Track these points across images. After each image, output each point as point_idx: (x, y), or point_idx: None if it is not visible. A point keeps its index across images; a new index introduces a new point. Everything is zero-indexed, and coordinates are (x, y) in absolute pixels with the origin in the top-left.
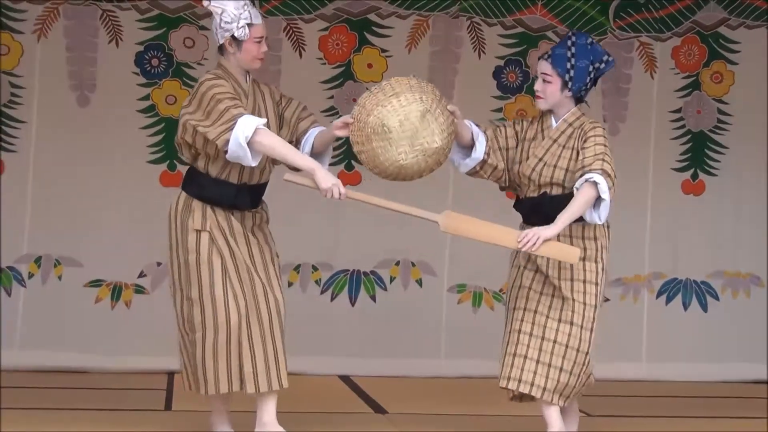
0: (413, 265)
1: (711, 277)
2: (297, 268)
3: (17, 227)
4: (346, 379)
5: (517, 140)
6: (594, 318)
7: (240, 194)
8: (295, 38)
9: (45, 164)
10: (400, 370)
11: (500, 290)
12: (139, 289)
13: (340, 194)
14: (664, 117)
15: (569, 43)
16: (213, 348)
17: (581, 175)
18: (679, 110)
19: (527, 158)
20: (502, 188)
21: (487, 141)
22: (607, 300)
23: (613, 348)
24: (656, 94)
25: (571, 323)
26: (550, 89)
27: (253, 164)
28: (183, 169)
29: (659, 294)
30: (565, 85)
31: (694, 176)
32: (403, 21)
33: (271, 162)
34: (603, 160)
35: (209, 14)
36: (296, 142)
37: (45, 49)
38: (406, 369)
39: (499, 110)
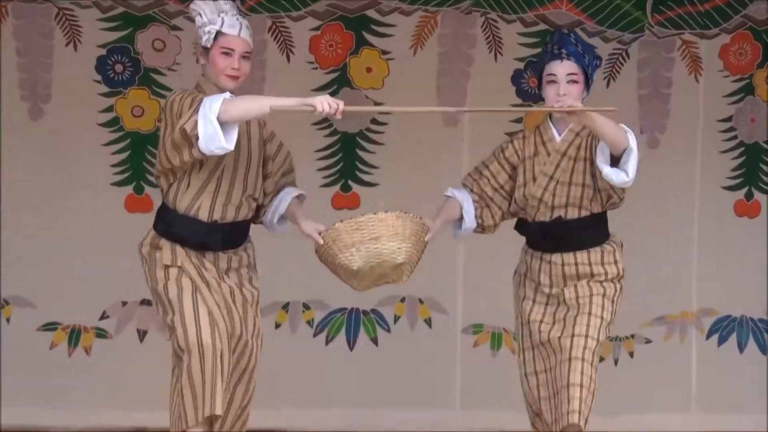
0: (421, 302)
1: None
2: (286, 306)
3: None
4: None
5: (510, 167)
6: (602, 331)
7: (211, 233)
8: (282, 39)
9: None
10: (407, 423)
11: None
12: (101, 333)
13: (337, 107)
14: (712, 126)
15: (571, 38)
16: (201, 374)
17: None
18: (729, 119)
19: (534, 178)
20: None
21: (474, 205)
22: (648, 342)
23: (657, 396)
24: (702, 100)
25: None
26: (578, 90)
27: (228, 146)
28: (152, 192)
29: (710, 333)
30: (586, 85)
31: (749, 195)
32: (407, 18)
33: (249, 198)
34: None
35: (182, 13)
36: (272, 195)
37: None
38: (414, 422)
39: (519, 121)
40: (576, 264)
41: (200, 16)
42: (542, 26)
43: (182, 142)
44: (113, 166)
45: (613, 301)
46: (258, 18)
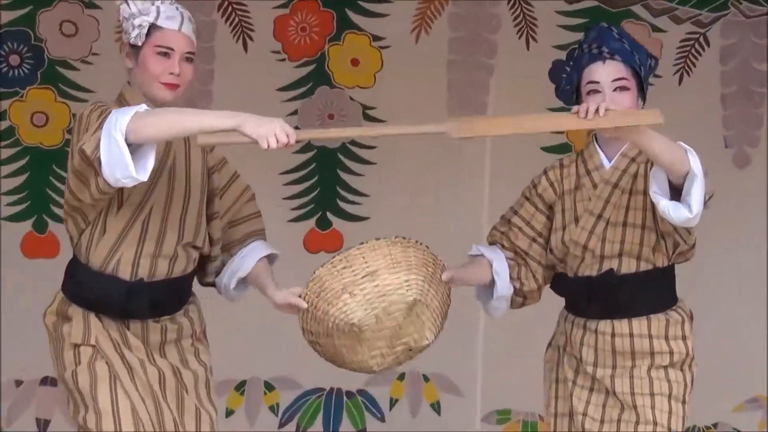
0: (426, 379)
1: None
2: (241, 386)
3: None
4: None
5: (547, 207)
6: None
7: (135, 296)
8: (237, 20)
9: None
10: None
11: None
12: None
13: (287, 137)
14: None
15: (614, 33)
16: None
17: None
18: None
19: (576, 218)
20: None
21: (509, 263)
22: None
23: None
24: None
25: None
26: (630, 100)
27: (139, 176)
28: (58, 230)
29: None
30: (641, 91)
31: None
32: None
33: (188, 247)
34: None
35: None
36: (226, 248)
37: None
38: None
39: (560, 132)
40: (631, 336)
41: (126, 4)
42: (591, 2)
43: (85, 168)
44: (6, 194)
45: (683, 402)
46: None
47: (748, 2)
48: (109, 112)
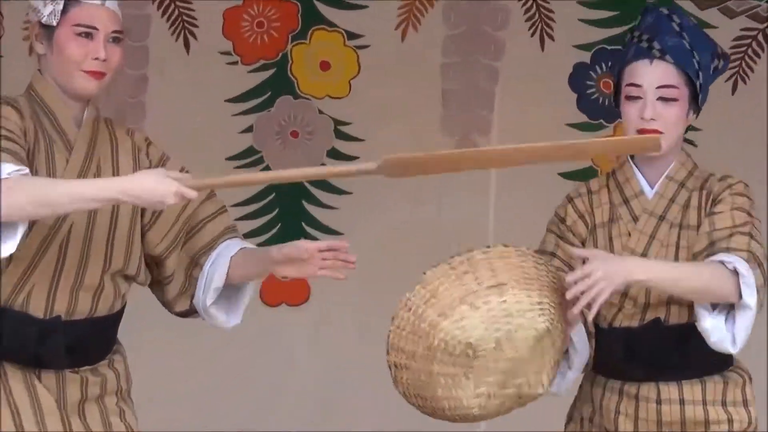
0: None
1: None
2: None
3: None
4: None
5: (581, 242)
6: None
7: (49, 338)
8: (177, 13)
9: None
10: None
11: None
12: None
13: (182, 195)
14: None
15: (674, 24)
16: None
17: (707, 255)
18: None
19: None
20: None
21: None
22: None
23: None
24: None
25: None
26: (676, 114)
27: (5, 252)
28: None
29: None
30: (694, 102)
31: None
32: None
33: (118, 276)
34: (750, 236)
35: None
36: (194, 262)
37: None
38: None
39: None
40: (682, 403)
41: None
42: None
43: None
44: None
45: None
46: None
47: None
48: None
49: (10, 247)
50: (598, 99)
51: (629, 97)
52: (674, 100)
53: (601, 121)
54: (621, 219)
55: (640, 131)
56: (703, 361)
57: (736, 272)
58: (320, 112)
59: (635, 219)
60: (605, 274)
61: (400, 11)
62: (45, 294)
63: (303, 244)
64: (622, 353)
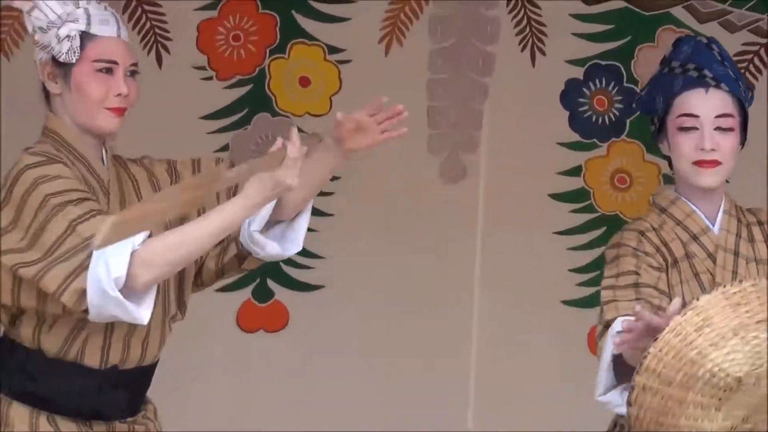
0: None
1: None
2: None
3: None
4: None
5: (661, 272)
6: None
7: (107, 390)
8: (149, 27)
9: None
10: None
11: None
12: None
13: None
14: None
15: (715, 53)
16: None
17: None
18: None
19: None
20: None
21: None
22: None
23: None
24: None
25: None
26: (732, 143)
27: (145, 318)
28: None
29: None
30: (743, 131)
31: None
32: None
33: (167, 325)
34: None
35: None
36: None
37: None
38: None
39: (575, 171)
40: None
41: (37, 10)
42: (617, 2)
43: (53, 304)
44: None
45: None
46: None
47: None
48: (85, 241)
49: (148, 309)
50: (592, 117)
51: (683, 129)
52: (731, 129)
53: (595, 140)
54: (696, 256)
55: (698, 163)
56: None
57: None
58: (300, 130)
59: (711, 256)
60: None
61: (384, 24)
62: (100, 344)
63: (353, 116)
64: None
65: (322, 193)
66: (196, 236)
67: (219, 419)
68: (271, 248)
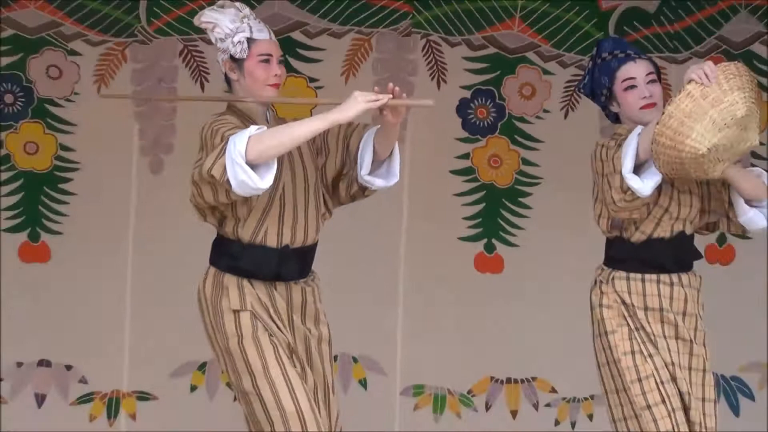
0: (355, 360)
1: (744, 371)
2: (202, 367)
3: None
4: None
5: None
6: (601, 378)
7: (284, 260)
8: (195, 65)
9: None
10: None
11: (469, 392)
12: None
13: (372, 99)
14: None
15: (626, 42)
16: None
17: None
18: None
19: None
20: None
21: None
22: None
23: None
24: None
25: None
26: (659, 89)
27: (263, 186)
28: (49, 240)
29: None
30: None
31: (721, 240)
32: (338, 41)
33: (317, 216)
34: None
35: (80, 35)
36: (355, 163)
37: None
38: None
39: (466, 156)
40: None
41: (217, 28)
42: (491, 49)
43: (217, 186)
44: (5, 210)
45: None
46: (168, 41)
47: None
48: (227, 138)
49: (267, 184)
50: (476, 122)
51: (627, 89)
52: (656, 81)
53: (478, 136)
54: None
55: (643, 107)
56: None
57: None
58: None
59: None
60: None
61: (343, 63)
62: (276, 231)
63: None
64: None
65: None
66: (288, 133)
67: None
68: (378, 182)
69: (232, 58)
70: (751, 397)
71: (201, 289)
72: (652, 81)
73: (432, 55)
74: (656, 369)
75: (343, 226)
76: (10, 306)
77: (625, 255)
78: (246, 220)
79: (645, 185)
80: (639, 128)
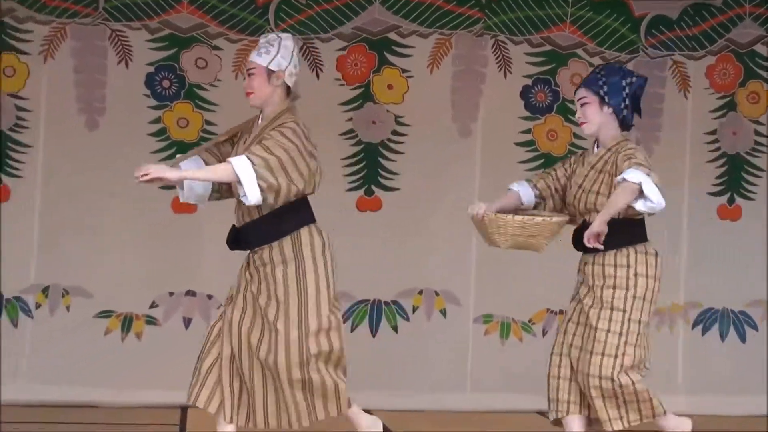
0: (437, 294)
1: (749, 307)
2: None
3: (24, 256)
4: (367, 412)
5: (566, 177)
6: (619, 344)
7: (233, 235)
8: (312, 58)
9: (52, 190)
10: (423, 403)
11: (530, 320)
12: (151, 320)
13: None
14: (699, 138)
15: (597, 70)
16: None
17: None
18: (714, 132)
19: (570, 188)
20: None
21: (534, 191)
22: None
23: (649, 379)
24: (690, 115)
25: (591, 352)
26: (590, 111)
27: (181, 199)
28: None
29: (695, 324)
30: (602, 101)
31: (731, 201)
32: (425, 40)
33: (260, 208)
34: (634, 159)
35: (222, 34)
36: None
37: (52, 70)
38: (429, 403)
39: (528, 131)
40: (592, 263)
41: (292, 56)
42: (547, 47)
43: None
44: None
45: (623, 311)
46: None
47: (652, 48)
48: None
49: (182, 196)
50: (536, 104)
51: (568, 102)
52: (588, 103)
53: (538, 115)
54: (579, 167)
55: (581, 124)
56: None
57: (624, 180)
58: (387, 111)
59: (584, 167)
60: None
61: (429, 58)
62: (236, 213)
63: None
64: (576, 241)
65: (396, 139)
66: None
67: (346, 265)
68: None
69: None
70: (755, 328)
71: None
72: (583, 105)
73: (500, 52)
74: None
75: (429, 188)
76: (166, 248)
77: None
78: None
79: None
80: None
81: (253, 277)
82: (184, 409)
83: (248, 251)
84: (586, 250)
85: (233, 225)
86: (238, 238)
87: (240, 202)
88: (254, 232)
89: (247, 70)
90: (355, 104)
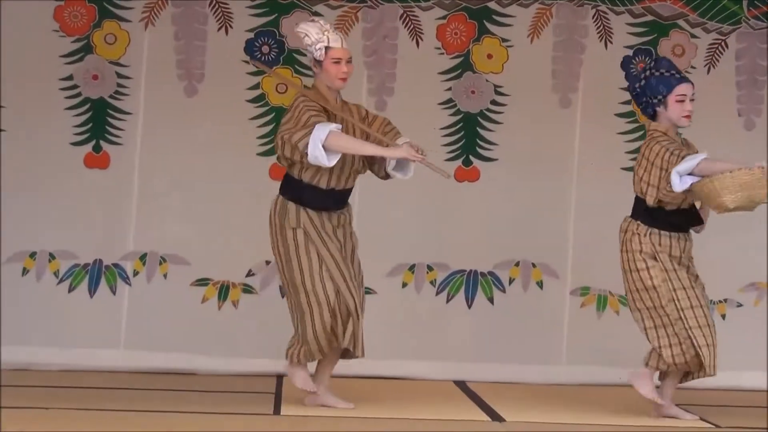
0: (534, 266)
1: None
2: (412, 268)
3: (123, 223)
4: (461, 384)
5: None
6: (635, 299)
7: (328, 197)
8: (412, 27)
9: (151, 157)
10: (518, 375)
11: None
12: (248, 289)
13: (417, 150)
14: None
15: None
16: (322, 324)
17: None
18: None
19: None
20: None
21: None
22: (739, 305)
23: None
24: None
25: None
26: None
27: (328, 164)
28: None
29: None
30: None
31: None
32: (525, 10)
33: (355, 171)
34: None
35: (322, 0)
36: (383, 160)
37: (152, 37)
38: (524, 375)
39: (628, 102)
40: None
41: (308, 36)
42: (649, 17)
43: (296, 150)
44: (259, 138)
45: (627, 271)
46: (390, 7)
47: (754, 20)
48: (313, 124)
49: (334, 160)
50: (636, 74)
51: (678, 101)
52: (693, 100)
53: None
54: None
55: (685, 117)
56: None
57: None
58: (487, 81)
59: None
60: None
61: (529, 28)
62: (326, 178)
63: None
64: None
65: (496, 109)
66: (357, 145)
67: (443, 235)
68: (398, 175)
69: (315, 59)
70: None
71: (271, 209)
72: (692, 100)
73: (600, 21)
74: (682, 288)
75: (528, 159)
76: (263, 216)
77: (660, 218)
78: (308, 168)
79: (681, 185)
80: (704, 155)
81: (346, 231)
82: (279, 378)
83: (330, 211)
84: (688, 230)
85: (332, 188)
86: (340, 199)
87: (342, 169)
88: (347, 195)
89: (350, 58)
90: (455, 73)
